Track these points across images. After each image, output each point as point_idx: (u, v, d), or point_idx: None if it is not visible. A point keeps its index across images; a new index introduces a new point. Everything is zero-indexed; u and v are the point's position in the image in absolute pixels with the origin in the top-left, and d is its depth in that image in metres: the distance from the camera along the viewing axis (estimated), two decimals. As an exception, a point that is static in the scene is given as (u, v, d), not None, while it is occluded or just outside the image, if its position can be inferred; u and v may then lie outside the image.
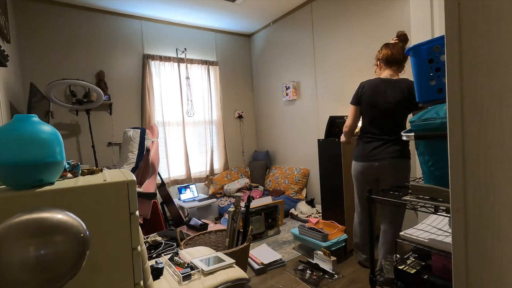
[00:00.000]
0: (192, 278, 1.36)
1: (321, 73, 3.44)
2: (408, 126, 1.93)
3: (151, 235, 2.32)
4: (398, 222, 1.89)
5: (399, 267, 1.23)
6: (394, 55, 1.87)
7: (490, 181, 0.60)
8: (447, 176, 0.67)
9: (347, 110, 3.15)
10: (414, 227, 1.34)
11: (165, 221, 3.06)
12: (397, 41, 1.88)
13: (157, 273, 1.41)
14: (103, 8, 3.32)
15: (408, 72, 2.55)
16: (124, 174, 0.88)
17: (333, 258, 2.11)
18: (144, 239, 2.12)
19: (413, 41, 2.25)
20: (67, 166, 0.89)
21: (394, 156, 1.85)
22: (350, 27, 3.03)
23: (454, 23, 0.62)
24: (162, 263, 1.46)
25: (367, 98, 1.96)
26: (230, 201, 3.70)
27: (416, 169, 2.54)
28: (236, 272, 1.43)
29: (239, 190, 3.97)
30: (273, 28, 4.12)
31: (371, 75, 2.90)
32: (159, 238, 2.25)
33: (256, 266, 2.21)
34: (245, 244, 1.97)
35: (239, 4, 3.43)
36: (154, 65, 3.67)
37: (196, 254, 1.65)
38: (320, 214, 2.97)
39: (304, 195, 3.71)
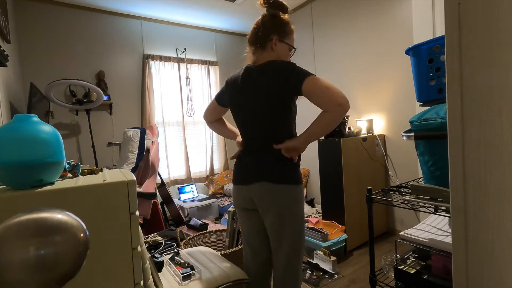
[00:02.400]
0: (192, 278, 1.36)
1: (321, 73, 3.44)
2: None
3: (151, 235, 2.32)
4: None
5: (399, 267, 1.23)
6: (251, 32, 1.29)
7: (490, 181, 0.60)
8: (447, 176, 0.67)
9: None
10: (414, 227, 1.34)
11: (165, 221, 3.06)
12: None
13: (158, 266, 1.42)
14: (103, 8, 3.31)
15: (408, 72, 2.55)
16: (124, 174, 0.88)
17: (333, 258, 2.11)
18: (144, 239, 2.12)
19: (415, 41, 2.25)
20: (67, 166, 0.89)
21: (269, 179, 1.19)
22: (350, 27, 3.03)
23: (454, 23, 0.62)
24: (161, 256, 1.47)
25: (228, 99, 1.39)
26: (230, 201, 3.70)
27: (417, 169, 2.54)
28: (236, 272, 1.43)
29: (239, 190, 3.96)
30: (273, 28, 4.11)
31: (372, 75, 2.91)
32: (159, 238, 2.25)
33: (256, 266, 2.21)
34: (245, 244, 1.97)
35: (239, 4, 3.43)
36: (154, 65, 3.67)
37: (196, 254, 1.65)
38: (320, 214, 2.97)
39: (304, 195, 3.71)
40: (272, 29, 1.23)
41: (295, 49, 1.32)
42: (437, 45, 1.15)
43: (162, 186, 3.20)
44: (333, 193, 2.52)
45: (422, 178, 1.24)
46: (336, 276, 2.05)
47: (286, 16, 1.27)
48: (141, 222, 2.64)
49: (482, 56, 0.59)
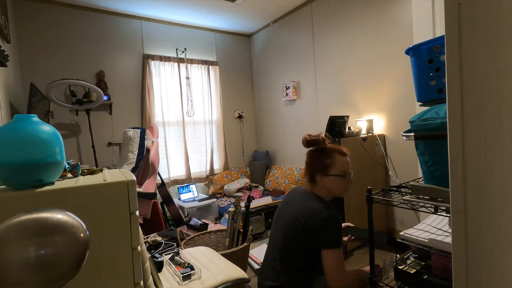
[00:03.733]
0: (192, 278, 1.36)
1: (321, 73, 3.44)
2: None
3: (151, 235, 2.32)
4: None
5: (399, 267, 1.23)
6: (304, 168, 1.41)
7: (490, 181, 0.60)
8: (447, 176, 0.67)
9: (347, 110, 3.16)
10: (414, 227, 1.34)
11: (165, 221, 3.06)
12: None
13: (158, 266, 1.42)
14: (103, 8, 3.32)
15: (408, 72, 2.55)
16: (124, 174, 0.88)
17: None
18: (144, 239, 2.12)
19: (415, 41, 2.25)
20: (67, 166, 0.89)
21: None
22: (350, 27, 3.03)
23: (454, 23, 0.62)
24: (161, 256, 1.47)
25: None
26: (230, 201, 3.70)
27: (417, 169, 2.54)
28: (236, 272, 1.43)
29: (239, 190, 3.97)
30: (273, 28, 4.12)
31: (372, 75, 2.91)
32: (159, 238, 2.25)
33: (256, 266, 2.21)
34: (245, 244, 1.97)
35: (239, 4, 3.43)
36: (154, 65, 3.67)
37: (196, 254, 1.65)
38: (320, 214, 2.96)
39: (304, 195, 3.70)
40: (314, 168, 1.33)
41: (349, 172, 1.33)
42: (437, 45, 1.15)
43: (162, 186, 3.20)
44: (333, 193, 2.52)
45: (422, 178, 1.24)
46: (336, 276, 2.05)
47: (326, 146, 1.34)
48: (141, 222, 2.64)
49: (482, 56, 0.59)
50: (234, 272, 1.43)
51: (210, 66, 4.14)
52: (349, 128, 2.71)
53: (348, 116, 2.76)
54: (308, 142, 1.37)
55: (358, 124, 2.86)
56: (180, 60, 3.87)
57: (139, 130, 2.71)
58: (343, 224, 1.46)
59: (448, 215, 1.18)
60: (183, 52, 3.91)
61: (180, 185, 3.78)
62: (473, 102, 0.61)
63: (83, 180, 0.81)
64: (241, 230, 2.17)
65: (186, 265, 1.45)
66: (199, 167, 4.11)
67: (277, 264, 1.31)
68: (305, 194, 1.37)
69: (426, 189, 1.08)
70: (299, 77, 3.77)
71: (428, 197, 1.08)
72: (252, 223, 2.76)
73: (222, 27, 4.20)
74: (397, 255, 1.34)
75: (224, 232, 2.26)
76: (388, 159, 2.80)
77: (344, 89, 3.18)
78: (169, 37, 3.84)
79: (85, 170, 0.96)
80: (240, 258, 1.87)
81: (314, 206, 1.27)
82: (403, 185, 1.39)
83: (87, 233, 0.50)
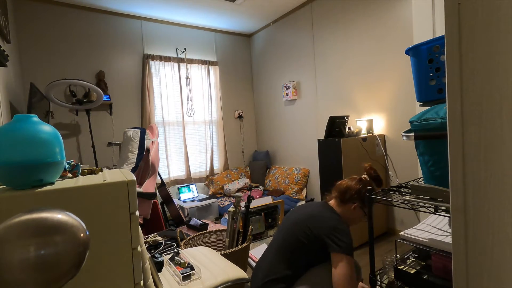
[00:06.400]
0: (192, 278, 1.36)
1: (321, 73, 3.44)
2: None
3: (151, 235, 2.32)
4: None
5: (399, 267, 1.23)
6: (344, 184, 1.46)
7: (490, 181, 0.60)
8: (447, 176, 0.67)
9: (347, 110, 3.16)
10: (414, 227, 1.34)
11: (165, 221, 3.06)
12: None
13: (158, 266, 1.42)
14: (103, 8, 3.32)
15: (408, 72, 2.55)
16: (124, 174, 0.88)
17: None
18: (144, 239, 2.12)
19: (415, 41, 2.25)
20: (67, 166, 0.89)
21: None
22: (350, 27, 3.03)
23: (454, 23, 0.62)
24: (161, 256, 1.47)
25: None
26: (230, 201, 3.70)
27: (417, 169, 2.54)
28: (236, 272, 1.43)
29: (239, 190, 3.97)
30: (273, 28, 4.12)
31: (372, 75, 2.91)
32: (159, 238, 2.25)
33: (256, 266, 2.21)
34: (245, 244, 1.97)
35: (239, 4, 3.43)
36: (154, 65, 3.67)
37: (197, 254, 1.65)
38: (320, 214, 2.96)
39: (304, 195, 3.71)
40: (359, 195, 1.37)
41: (366, 215, 1.38)
42: (437, 45, 1.15)
43: (162, 186, 3.20)
44: (333, 193, 2.52)
45: (422, 178, 1.24)
46: (336, 276, 2.05)
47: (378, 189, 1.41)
48: (141, 222, 2.64)
49: (482, 56, 0.59)
50: (234, 272, 1.43)
51: (210, 66, 4.14)
52: (349, 128, 2.71)
53: (348, 116, 2.76)
54: (373, 177, 1.41)
55: (358, 124, 2.86)
56: (180, 60, 3.87)
57: (139, 130, 2.71)
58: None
59: (448, 215, 1.18)
60: (183, 52, 3.91)
61: (180, 185, 3.78)
62: (473, 102, 0.61)
63: (83, 180, 0.81)
64: (241, 230, 2.17)
65: (186, 265, 1.45)
66: (199, 167, 4.11)
67: (275, 259, 1.32)
68: (323, 205, 1.40)
69: (426, 189, 1.08)
70: (299, 77, 3.77)
71: (428, 197, 1.08)
72: (252, 223, 2.76)
73: (222, 27, 4.19)
74: (397, 255, 1.34)
75: (224, 232, 2.26)
76: (388, 159, 2.80)
77: (344, 89, 3.18)
78: (169, 37, 3.84)
79: (85, 170, 0.96)
80: (240, 258, 1.87)
81: (328, 215, 1.31)
82: (403, 185, 1.39)
83: (87, 233, 0.50)
